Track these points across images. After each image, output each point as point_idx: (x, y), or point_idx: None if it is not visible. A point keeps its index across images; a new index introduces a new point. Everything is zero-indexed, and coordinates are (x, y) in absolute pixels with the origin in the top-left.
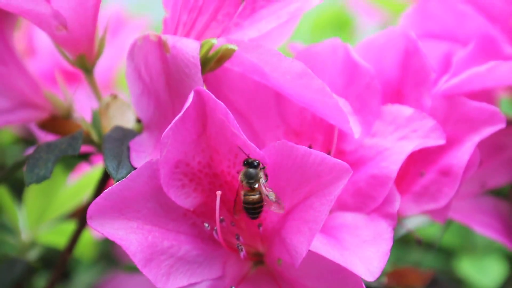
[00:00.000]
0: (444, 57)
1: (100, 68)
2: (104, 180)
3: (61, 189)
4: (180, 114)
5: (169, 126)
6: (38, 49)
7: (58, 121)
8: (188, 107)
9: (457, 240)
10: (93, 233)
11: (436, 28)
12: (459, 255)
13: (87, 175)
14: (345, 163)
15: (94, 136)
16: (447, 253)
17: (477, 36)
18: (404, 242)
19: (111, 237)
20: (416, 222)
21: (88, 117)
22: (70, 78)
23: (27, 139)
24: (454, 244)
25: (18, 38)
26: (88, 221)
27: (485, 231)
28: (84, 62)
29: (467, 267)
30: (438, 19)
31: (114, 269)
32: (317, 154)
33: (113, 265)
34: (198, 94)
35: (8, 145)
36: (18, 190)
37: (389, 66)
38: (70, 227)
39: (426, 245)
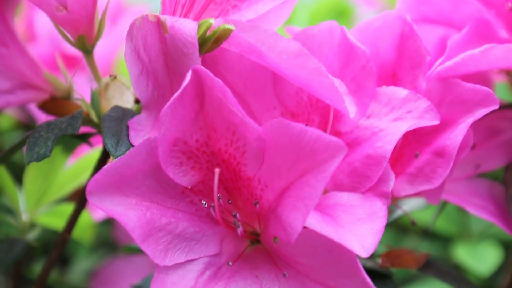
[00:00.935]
0: (440, 41)
1: (100, 55)
2: (103, 160)
3: (60, 171)
4: (178, 92)
5: (167, 104)
6: (38, 34)
7: (58, 102)
8: (186, 85)
9: (453, 227)
10: (92, 216)
11: (432, 13)
12: (454, 242)
13: (86, 157)
14: (340, 141)
15: (94, 116)
16: (443, 240)
17: (472, 20)
18: (400, 229)
19: (110, 213)
20: (411, 205)
21: (88, 100)
22: (69, 63)
23: (27, 124)
24: (450, 231)
25: (18, 24)
26: (88, 196)
27: (479, 213)
28: (84, 43)
29: (462, 254)
30: (433, 3)
31: (113, 255)
32: (313, 131)
33: (112, 251)
34: (195, 72)
35: (7, 130)
36: (17, 174)
37: (385, 48)
38: (69, 209)
39: (422, 232)
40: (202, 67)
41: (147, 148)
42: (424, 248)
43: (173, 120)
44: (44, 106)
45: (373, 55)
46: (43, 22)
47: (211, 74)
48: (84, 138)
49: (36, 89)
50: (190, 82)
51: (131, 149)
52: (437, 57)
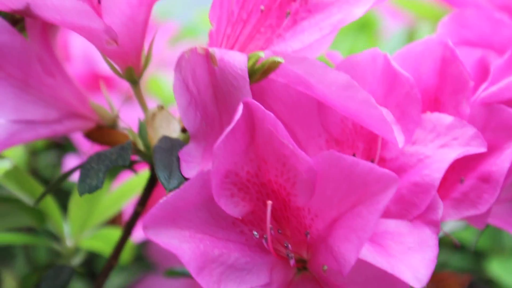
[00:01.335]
0: (478, 63)
1: None
2: (149, 189)
3: (104, 196)
4: (230, 126)
5: (220, 139)
6: (72, 55)
7: (104, 131)
8: (238, 119)
9: (484, 241)
10: (133, 238)
11: (472, 36)
12: (486, 256)
13: (127, 183)
14: (392, 173)
15: (141, 146)
16: (474, 254)
17: None
18: None
19: (165, 246)
20: (451, 226)
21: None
22: (104, 83)
23: (61, 144)
24: (481, 245)
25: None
26: (144, 230)
27: None
28: (132, 75)
29: (496, 268)
30: (474, 27)
31: (145, 272)
32: (365, 164)
33: (144, 268)
34: (247, 106)
35: (41, 150)
36: (58, 198)
37: (426, 74)
38: (111, 232)
39: (453, 246)
40: (253, 100)
41: (200, 181)
42: (455, 261)
43: (225, 153)
44: (91, 135)
45: (415, 80)
46: (78, 44)
47: (262, 107)
48: (129, 166)
49: (82, 118)
50: (242, 116)
51: (185, 182)
52: (475, 79)
